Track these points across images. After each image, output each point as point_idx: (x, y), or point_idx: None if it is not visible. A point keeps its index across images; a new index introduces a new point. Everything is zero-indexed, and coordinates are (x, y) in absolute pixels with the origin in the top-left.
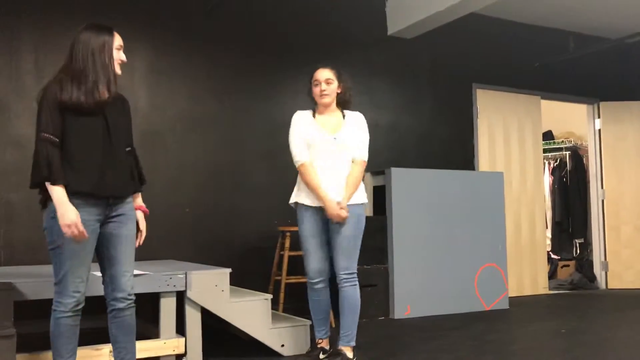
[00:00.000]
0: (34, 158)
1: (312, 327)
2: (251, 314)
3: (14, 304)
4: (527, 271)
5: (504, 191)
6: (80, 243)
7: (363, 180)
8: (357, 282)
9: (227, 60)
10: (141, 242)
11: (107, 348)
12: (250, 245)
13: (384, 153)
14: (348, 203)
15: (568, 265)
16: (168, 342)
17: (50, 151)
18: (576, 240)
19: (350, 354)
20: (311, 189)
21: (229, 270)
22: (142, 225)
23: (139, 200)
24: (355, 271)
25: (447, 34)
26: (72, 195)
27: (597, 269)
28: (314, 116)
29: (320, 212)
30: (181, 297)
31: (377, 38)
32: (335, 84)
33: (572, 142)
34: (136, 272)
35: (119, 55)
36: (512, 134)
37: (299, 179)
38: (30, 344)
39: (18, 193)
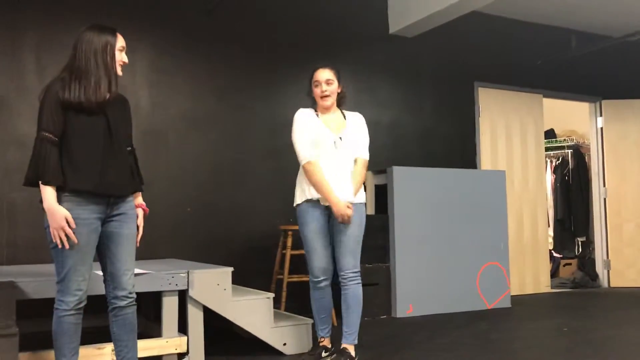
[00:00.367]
0: (32, 156)
1: (313, 325)
2: (253, 312)
3: (16, 302)
4: (529, 270)
5: (506, 190)
6: (77, 246)
7: (366, 179)
8: (361, 280)
9: (228, 59)
10: (139, 240)
11: (109, 347)
12: (252, 244)
13: (386, 152)
14: (353, 202)
15: (570, 264)
16: (170, 341)
17: (48, 150)
18: (578, 239)
19: (353, 352)
20: (318, 188)
21: (230, 269)
22: (140, 222)
23: (139, 199)
24: (359, 269)
25: (449, 32)
26: (73, 193)
27: (599, 267)
28: (317, 115)
29: (327, 210)
30: (183, 296)
31: (379, 37)
32: (335, 84)
33: (574, 141)
34: (138, 271)
35: (120, 57)
36: (514, 133)
37: (299, 178)
38: (32, 342)
39: (21, 192)
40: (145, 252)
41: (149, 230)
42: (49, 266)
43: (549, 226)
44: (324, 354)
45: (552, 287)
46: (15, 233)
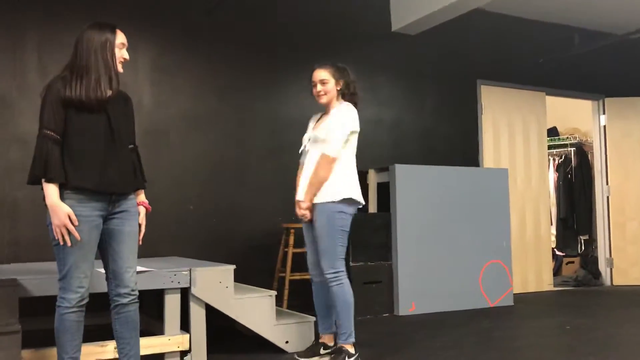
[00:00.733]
0: (34, 154)
1: (316, 323)
2: (255, 310)
3: (19, 300)
4: (531, 268)
5: (508, 188)
6: (78, 243)
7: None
8: (342, 281)
9: (229, 57)
10: (141, 238)
11: (112, 344)
12: (254, 242)
13: (388, 150)
14: (318, 201)
15: (573, 262)
16: (172, 339)
17: (50, 148)
18: (581, 237)
19: (352, 350)
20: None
21: (233, 266)
22: (142, 220)
23: (142, 196)
24: (340, 269)
25: (451, 30)
26: (75, 190)
27: (602, 266)
28: (321, 116)
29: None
30: (185, 294)
31: (381, 34)
32: (331, 82)
33: (577, 139)
34: (141, 269)
35: (121, 53)
36: (516, 131)
37: None
38: (35, 340)
39: (23, 190)
40: (148, 250)
41: (151, 228)
42: (51, 264)
43: (551, 224)
44: (322, 351)
45: (554, 286)
46: (18, 231)
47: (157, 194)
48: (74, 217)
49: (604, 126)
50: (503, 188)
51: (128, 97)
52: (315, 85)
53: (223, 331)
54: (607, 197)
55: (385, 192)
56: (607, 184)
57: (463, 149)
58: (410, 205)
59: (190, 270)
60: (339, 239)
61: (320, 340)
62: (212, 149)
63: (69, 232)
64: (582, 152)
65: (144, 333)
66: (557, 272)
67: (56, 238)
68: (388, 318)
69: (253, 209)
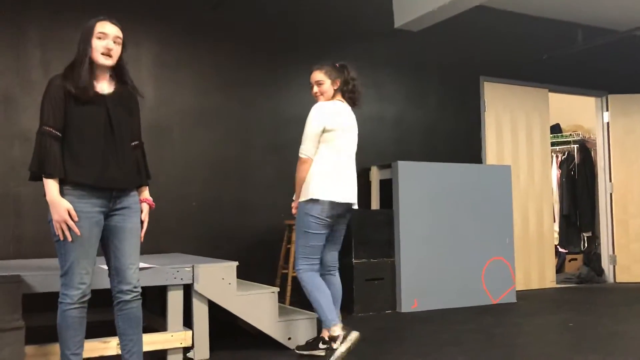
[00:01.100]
0: (34, 150)
1: (318, 320)
2: (258, 307)
3: (22, 296)
4: (534, 265)
5: (511, 185)
6: (79, 239)
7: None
8: (302, 276)
9: (233, 53)
10: (143, 235)
11: (114, 341)
12: (257, 238)
13: (390, 146)
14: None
15: (576, 259)
16: (175, 335)
17: (50, 144)
18: (584, 234)
19: (326, 337)
20: None
21: (235, 263)
22: (144, 217)
23: (145, 193)
24: (299, 267)
25: (454, 26)
26: (75, 186)
27: (605, 263)
28: None
29: None
30: (188, 290)
31: (384, 31)
32: (326, 83)
33: (580, 135)
34: (143, 265)
35: (104, 44)
36: (519, 127)
37: None
38: (38, 336)
39: (26, 187)
40: (150, 246)
41: (154, 224)
42: (54, 260)
43: (554, 221)
44: (321, 346)
45: (557, 283)
46: (21, 227)
47: (159, 190)
48: (73, 213)
49: (607, 123)
50: (506, 185)
51: (132, 94)
52: (312, 87)
53: (226, 328)
54: (610, 194)
55: (387, 189)
56: (610, 181)
57: (466, 145)
58: (413, 202)
59: (193, 267)
60: (301, 239)
61: (321, 335)
62: (215, 145)
63: (70, 228)
64: (585, 149)
65: (147, 329)
66: (559, 269)
67: (57, 234)
68: (390, 315)
69: (255, 205)
